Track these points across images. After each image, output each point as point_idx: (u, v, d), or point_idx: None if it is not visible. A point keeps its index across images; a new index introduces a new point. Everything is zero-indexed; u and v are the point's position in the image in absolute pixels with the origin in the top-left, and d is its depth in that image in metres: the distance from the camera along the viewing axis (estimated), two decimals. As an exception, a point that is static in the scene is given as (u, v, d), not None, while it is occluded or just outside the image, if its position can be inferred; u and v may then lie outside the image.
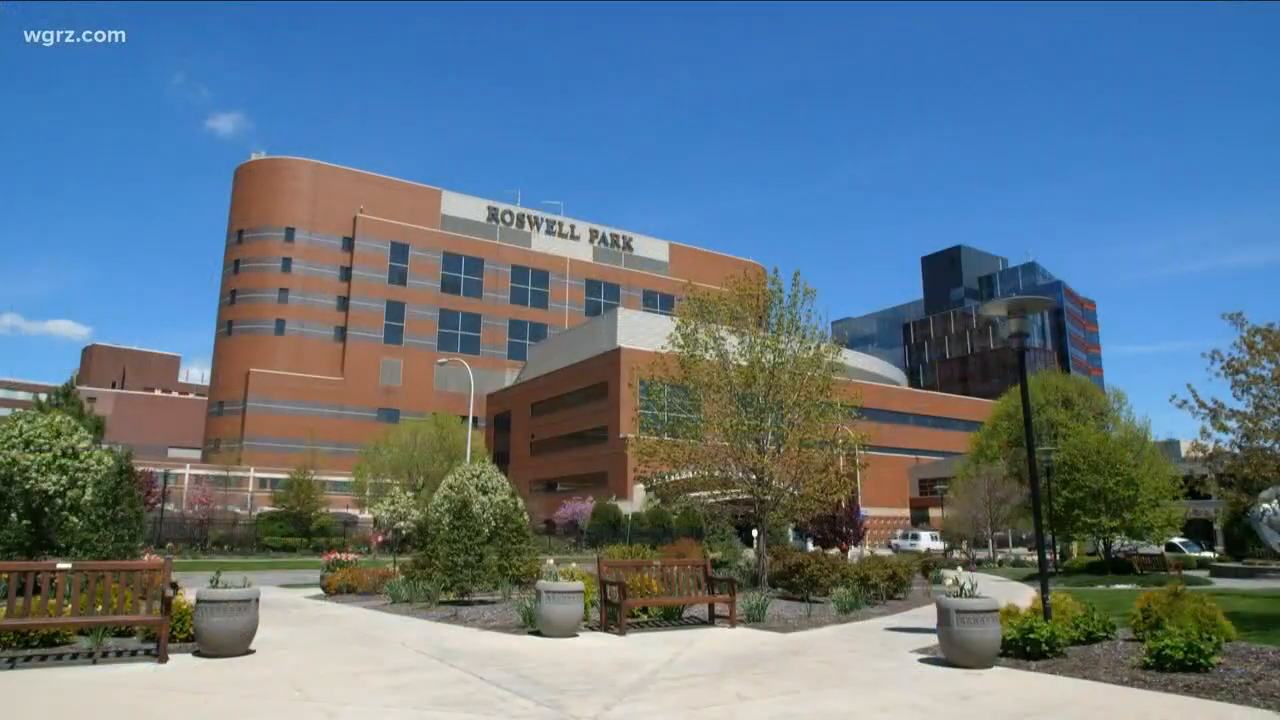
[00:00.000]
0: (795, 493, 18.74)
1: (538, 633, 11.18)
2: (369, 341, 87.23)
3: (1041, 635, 9.03)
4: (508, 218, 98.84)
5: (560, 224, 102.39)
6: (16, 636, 9.13)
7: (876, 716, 6.61)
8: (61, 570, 9.16)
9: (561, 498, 57.00)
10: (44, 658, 8.86)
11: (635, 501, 54.81)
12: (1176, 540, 37.21)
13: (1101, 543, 26.75)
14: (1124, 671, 8.31)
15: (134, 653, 9.15)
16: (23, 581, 8.89)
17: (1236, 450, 14.69)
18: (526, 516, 18.64)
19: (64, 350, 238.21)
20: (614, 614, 11.69)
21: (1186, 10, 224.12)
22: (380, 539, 39.68)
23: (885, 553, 35.60)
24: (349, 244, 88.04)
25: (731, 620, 12.20)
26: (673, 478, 21.42)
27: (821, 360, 19.12)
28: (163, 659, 8.65)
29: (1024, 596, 15.09)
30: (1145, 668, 8.37)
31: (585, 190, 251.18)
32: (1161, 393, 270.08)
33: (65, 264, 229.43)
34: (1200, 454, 15.60)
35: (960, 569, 11.24)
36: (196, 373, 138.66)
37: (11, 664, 8.49)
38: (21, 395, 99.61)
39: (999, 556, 41.07)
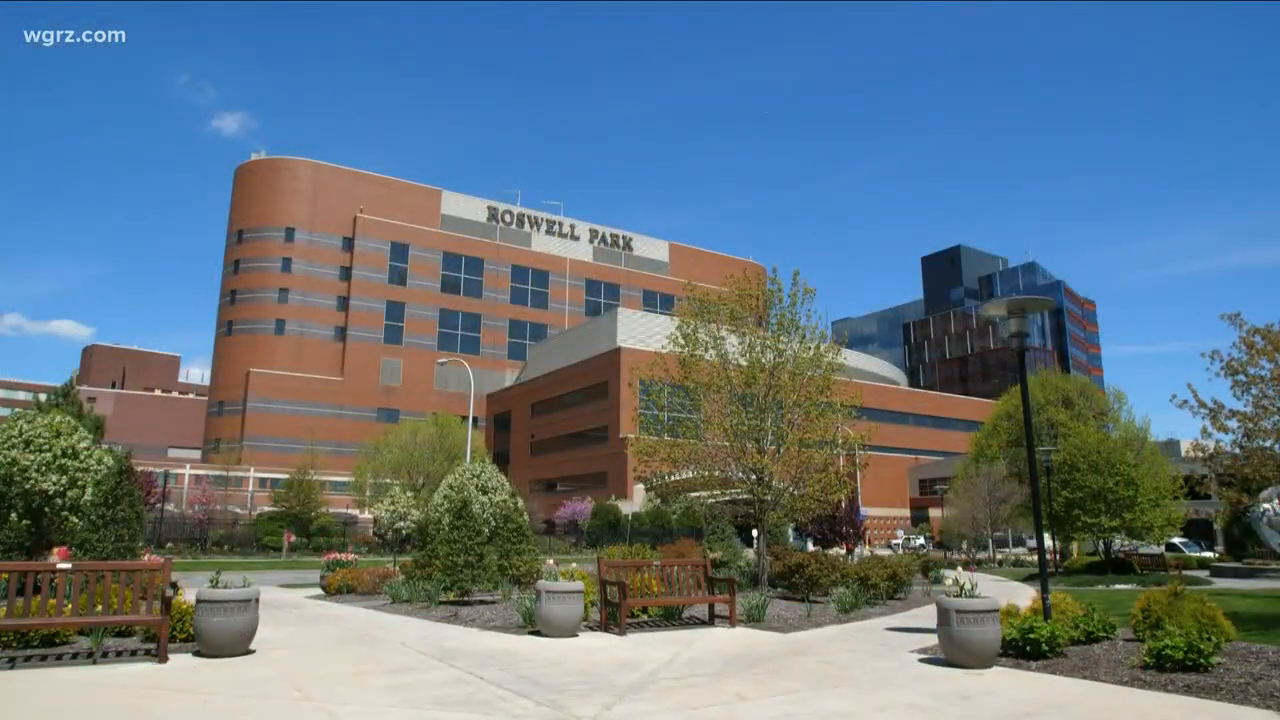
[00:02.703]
0: (795, 493, 18.73)
1: (538, 633, 11.18)
2: (369, 341, 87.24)
3: (1041, 635, 9.03)
4: (508, 218, 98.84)
5: (560, 224, 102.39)
6: (16, 636, 9.12)
7: (876, 716, 6.61)
8: (61, 570, 9.16)
9: (561, 498, 57.04)
10: (44, 658, 8.85)
11: (635, 501, 54.82)
12: (1176, 540, 37.24)
13: (1101, 543, 26.74)
14: (1124, 671, 8.30)
15: (134, 653, 9.14)
16: (23, 581, 8.89)
17: (1236, 450, 14.70)
18: (526, 516, 18.65)
19: (65, 350, 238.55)
20: (614, 614, 11.68)
21: (1187, 10, 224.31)
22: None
23: (885, 553, 35.66)
24: (349, 244, 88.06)
25: (731, 620, 12.19)
26: (673, 478, 21.41)
27: (821, 360, 19.12)
28: (163, 659, 8.65)
29: (1024, 596, 15.10)
30: (1145, 668, 8.36)
31: (585, 190, 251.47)
32: (1161, 393, 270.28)
33: (67, 264, 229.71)
34: (1200, 454, 15.61)
35: (960, 569, 11.24)
36: (196, 373, 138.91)
37: (11, 664, 8.49)
38: (21, 395, 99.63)
39: (999, 556, 41.08)
